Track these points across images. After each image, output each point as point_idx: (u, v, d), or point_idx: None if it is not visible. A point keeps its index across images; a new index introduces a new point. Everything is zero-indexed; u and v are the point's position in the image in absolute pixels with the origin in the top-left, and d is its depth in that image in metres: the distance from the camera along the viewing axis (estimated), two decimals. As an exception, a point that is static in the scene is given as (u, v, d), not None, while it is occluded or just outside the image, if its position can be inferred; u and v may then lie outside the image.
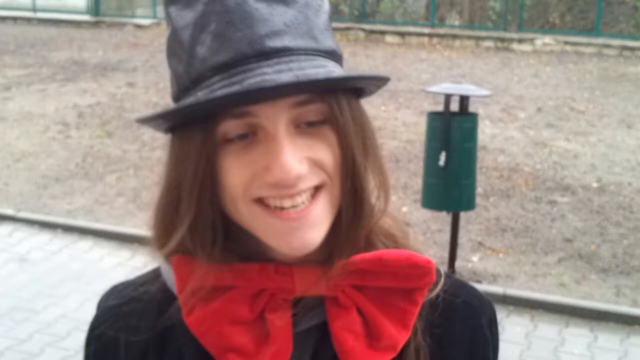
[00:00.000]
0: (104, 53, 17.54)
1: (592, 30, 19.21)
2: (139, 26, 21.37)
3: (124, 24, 21.66)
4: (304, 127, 1.08)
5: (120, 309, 1.27)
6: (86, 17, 22.12)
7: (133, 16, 22.53)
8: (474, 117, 6.46)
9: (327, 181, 1.09)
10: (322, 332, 1.17)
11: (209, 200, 1.09)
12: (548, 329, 6.14)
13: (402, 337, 1.16)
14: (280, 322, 1.13)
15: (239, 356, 1.13)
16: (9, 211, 8.20)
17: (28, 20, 22.19)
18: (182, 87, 1.10)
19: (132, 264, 7.07)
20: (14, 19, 22.24)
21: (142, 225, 7.91)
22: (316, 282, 1.14)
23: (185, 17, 1.09)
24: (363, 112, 1.15)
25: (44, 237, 7.72)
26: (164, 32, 16.97)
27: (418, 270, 1.15)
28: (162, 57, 16.84)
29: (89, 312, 5.32)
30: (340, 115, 1.08)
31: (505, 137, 11.18)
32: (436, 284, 1.21)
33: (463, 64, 16.81)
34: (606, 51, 17.95)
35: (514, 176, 9.51)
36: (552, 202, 8.68)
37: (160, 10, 22.34)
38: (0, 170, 9.58)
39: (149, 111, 12.09)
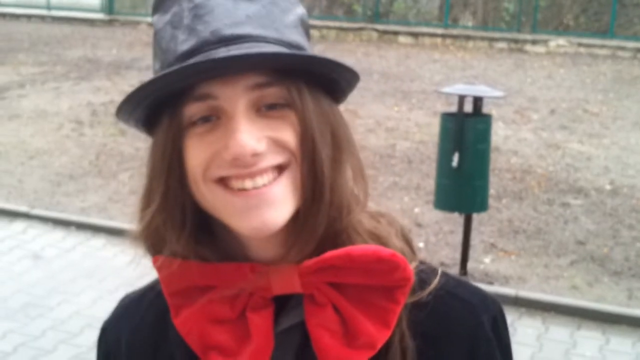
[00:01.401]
0: (117, 51, 17.60)
1: (606, 32, 19.16)
2: (152, 25, 21.42)
3: (137, 23, 21.72)
4: (264, 111, 1.10)
5: (125, 310, 1.35)
6: (100, 16, 22.19)
7: (147, 14, 22.54)
8: (487, 118, 6.47)
9: (292, 161, 1.11)
10: (305, 331, 1.17)
11: (177, 180, 1.11)
12: (560, 331, 6.13)
13: (381, 336, 1.15)
14: (261, 320, 1.14)
15: (221, 354, 1.15)
16: (23, 208, 8.25)
17: (42, 18, 22.27)
18: None
19: (144, 262, 7.07)
20: (29, 16, 22.33)
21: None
22: (290, 279, 1.14)
23: (164, 19, 1.16)
24: (333, 109, 1.17)
25: (57, 235, 7.76)
26: (178, 31, 17.16)
27: (384, 265, 1.13)
28: (175, 56, 16.94)
29: (102, 309, 5.35)
30: (298, 98, 1.10)
31: (518, 139, 11.17)
32: (426, 282, 1.21)
33: (476, 65, 16.79)
34: (620, 53, 17.90)
35: (526, 178, 9.51)
36: (565, 205, 8.67)
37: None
38: (14, 168, 9.63)
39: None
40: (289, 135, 1.10)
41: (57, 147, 10.49)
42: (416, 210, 8.26)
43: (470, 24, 21.45)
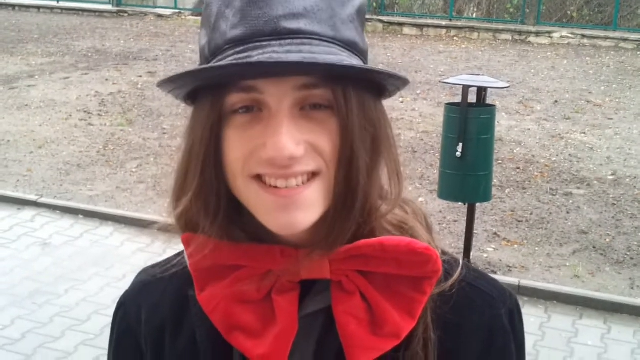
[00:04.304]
0: (125, 42, 17.61)
1: (609, 23, 19.13)
2: (160, 16, 21.43)
3: (145, 14, 21.72)
4: (308, 110, 1.08)
5: (145, 286, 1.35)
6: (108, 7, 22.18)
7: (155, 6, 22.59)
8: (491, 109, 6.49)
9: (323, 168, 1.09)
10: (329, 317, 1.17)
11: (213, 167, 1.11)
12: (562, 320, 6.17)
13: (407, 326, 1.15)
14: (286, 303, 1.14)
15: (245, 334, 1.15)
16: (31, 197, 8.31)
17: (51, 9, 22.27)
18: (203, 60, 1.14)
19: (151, 250, 7.15)
20: (38, 8, 22.34)
21: (162, 212, 8.00)
22: (320, 265, 1.14)
23: None
24: (378, 111, 1.15)
25: (65, 223, 7.82)
26: (184, 22, 16.91)
27: (418, 257, 1.13)
28: (182, 47, 16.93)
29: (109, 297, 5.44)
30: (343, 104, 1.08)
31: (521, 129, 11.20)
32: (449, 274, 1.21)
33: (480, 56, 16.79)
34: (623, 45, 17.87)
35: (530, 168, 9.55)
36: (568, 194, 8.72)
37: (181, 0, 22.42)
38: (23, 157, 9.69)
39: (169, 100, 12.20)
40: (327, 142, 1.08)
41: (65, 137, 10.54)
42: (420, 199, 8.29)
43: (474, 15, 21.43)
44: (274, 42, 1.04)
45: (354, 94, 1.08)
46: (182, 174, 1.17)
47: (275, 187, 1.08)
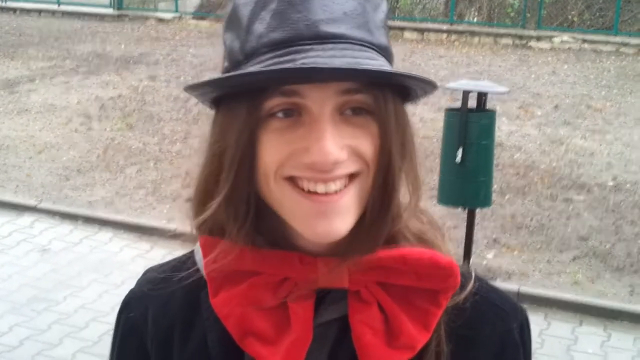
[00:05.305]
0: (126, 46, 17.60)
1: (610, 28, 19.10)
2: (161, 20, 21.43)
3: (146, 18, 21.71)
4: (347, 115, 1.08)
5: (152, 285, 1.32)
6: (109, 11, 22.16)
7: (155, 10, 22.55)
8: (491, 114, 6.48)
9: (363, 170, 1.10)
10: (343, 326, 1.16)
11: (247, 172, 1.10)
12: (561, 327, 6.17)
13: (421, 338, 1.15)
14: (302, 311, 1.14)
15: (259, 341, 1.14)
16: (31, 202, 8.31)
17: (52, 13, 22.25)
18: (234, 62, 1.11)
19: (151, 256, 7.14)
20: (39, 11, 22.33)
21: (161, 217, 8.00)
22: (339, 274, 1.14)
23: None
24: (406, 115, 1.16)
25: (64, 228, 7.82)
26: (185, 26, 16.89)
27: (440, 271, 1.14)
28: (183, 51, 16.91)
29: (108, 304, 5.42)
30: (384, 109, 1.09)
31: (522, 135, 11.18)
32: (464, 286, 1.20)
33: (481, 61, 16.78)
34: (624, 49, 17.85)
35: (530, 174, 9.54)
36: (568, 200, 8.71)
37: (182, 4, 22.42)
38: (22, 162, 9.69)
39: (169, 104, 12.21)
40: (367, 146, 1.09)
41: (65, 142, 10.54)
42: (420, 205, 8.26)
43: (475, 20, 21.42)
44: (316, 46, 1.04)
45: (391, 99, 1.10)
46: (210, 178, 1.16)
47: (315, 192, 1.08)
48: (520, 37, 18.77)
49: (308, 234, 1.10)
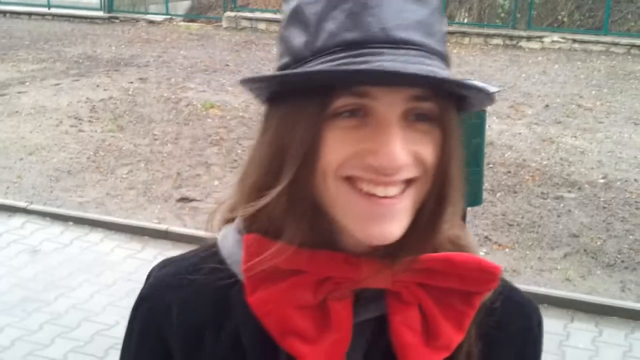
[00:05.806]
0: (116, 48, 17.59)
1: (600, 28, 19.17)
2: (151, 22, 21.43)
3: (137, 20, 21.72)
4: (412, 120, 1.08)
5: (175, 280, 1.28)
6: (100, 13, 22.15)
7: (146, 12, 22.57)
8: (482, 113, 6.47)
9: (422, 176, 1.10)
10: (377, 325, 1.18)
11: (310, 169, 1.09)
12: (553, 323, 6.16)
13: (456, 338, 1.17)
14: (343, 310, 1.14)
15: (300, 340, 1.14)
16: (21, 203, 8.27)
17: (42, 15, 22.23)
18: (297, 58, 1.10)
19: (142, 257, 7.12)
20: (29, 14, 22.30)
21: (152, 218, 7.99)
22: (383, 275, 1.14)
23: None
24: (460, 123, 1.16)
25: (55, 229, 7.78)
26: (176, 28, 16.93)
27: (486, 275, 1.16)
28: (174, 53, 16.90)
29: (99, 304, 5.40)
30: (449, 118, 1.10)
31: (512, 134, 11.20)
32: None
33: (472, 61, 16.81)
34: (614, 49, 17.92)
35: (521, 172, 9.55)
36: (559, 198, 8.72)
37: (172, 6, 22.44)
38: (13, 163, 9.65)
39: (160, 106, 12.20)
40: (429, 153, 1.09)
41: (55, 143, 10.49)
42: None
43: (465, 20, 21.47)
44: (389, 50, 1.04)
45: (453, 108, 1.12)
46: (267, 175, 1.14)
47: (373, 194, 1.08)
48: (511, 38, 18.83)
49: (361, 235, 1.10)
